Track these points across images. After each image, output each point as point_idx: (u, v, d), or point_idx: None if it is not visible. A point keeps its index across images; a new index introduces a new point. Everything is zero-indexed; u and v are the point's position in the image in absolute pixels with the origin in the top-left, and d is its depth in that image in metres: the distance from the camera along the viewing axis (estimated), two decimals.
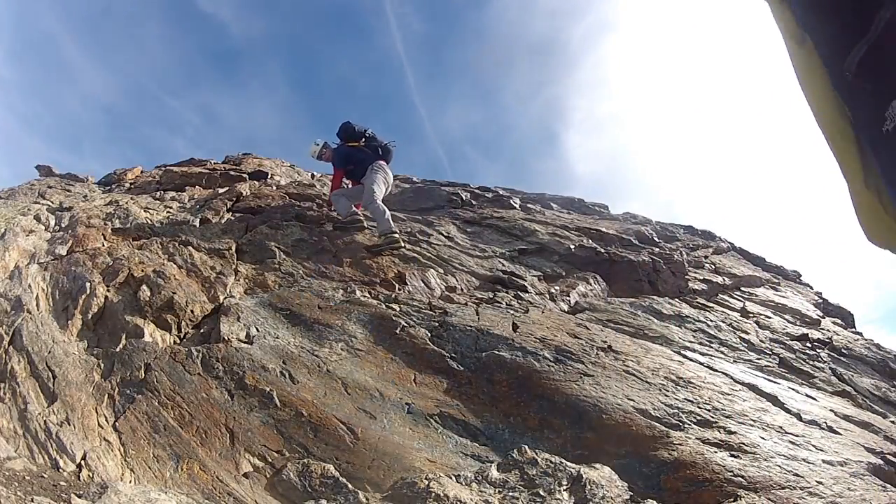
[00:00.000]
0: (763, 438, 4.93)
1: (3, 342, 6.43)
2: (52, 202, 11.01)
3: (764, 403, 5.65)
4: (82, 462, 5.03)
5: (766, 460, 4.60)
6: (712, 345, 7.32)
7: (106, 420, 5.53)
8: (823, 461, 4.76)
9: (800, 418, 5.56)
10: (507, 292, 8.37)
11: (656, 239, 11.28)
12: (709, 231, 14.19)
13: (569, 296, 8.54)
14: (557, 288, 8.82)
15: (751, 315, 8.77)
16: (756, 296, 9.92)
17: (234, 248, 9.24)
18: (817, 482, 4.40)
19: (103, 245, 8.99)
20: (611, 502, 4.10)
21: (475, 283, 8.79)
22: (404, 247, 9.30)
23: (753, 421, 5.22)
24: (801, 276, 13.08)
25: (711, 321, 8.06)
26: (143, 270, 7.91)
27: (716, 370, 6.32)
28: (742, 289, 10.17)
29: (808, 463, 4.69)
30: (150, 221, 10.28)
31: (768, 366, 6.98)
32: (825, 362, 7.53)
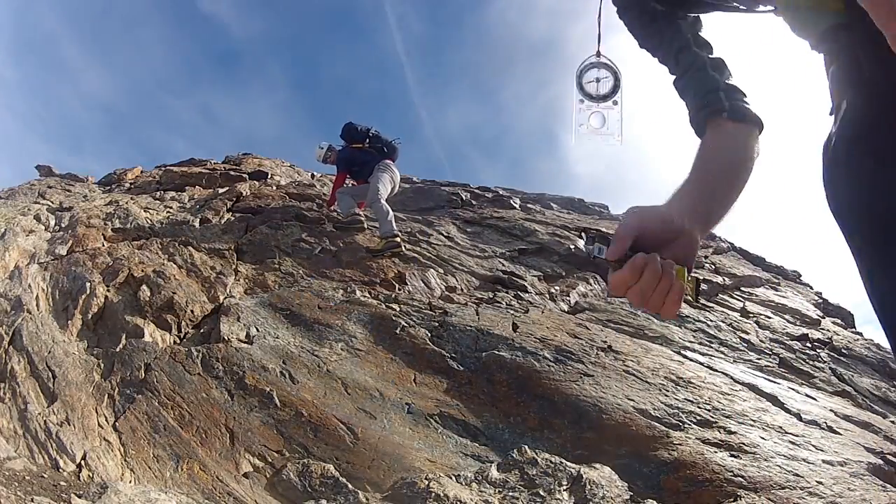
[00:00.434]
0: (763, 438, 4.93)
1: (3, 342, 6.43)
2: (52, 202, 11.02)
3: (764, 403, 5.65)
4: (82, 462, 5.03)
5: (766, 460, 4.60)
6: (712, 345, 7.32)
7: (106, 420, 5.53)
8: (823, 461, 4.76)
9: (800, 418, 5.56)
10: (507, 292, 8.37)
11: None
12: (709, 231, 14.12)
13: (569, 296, 8.54)
14: (557, 288, 8.82)
15: (751, 315, 8.76)
16: (756, 296, 9.91)
17: (234, 248, 9.26)
18: (817, 482, 4.40)
19: (103, 245, 9.00)
20: (611, 502, 4.10)
21: (475, 283, 8.79)
22: (404, 250, 9.28)
23: (753, 421, 5.22)
24: (801, 275, 13.04)
25: (711, 321, 8.05)
26: (143, 270, 7.91)
27: (716, 370, 6.32)
28: (742, 289, 10.14)
29: (808, 463, 4.69)
30: (150, 221, 10.30)
31: (768, 366, 6.98)
32: (825, 362, 7.52)
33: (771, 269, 12.66)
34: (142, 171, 15.29)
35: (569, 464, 4.44)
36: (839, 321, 10.45)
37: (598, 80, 1.98)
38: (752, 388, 5.96)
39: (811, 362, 7.35)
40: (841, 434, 5.44)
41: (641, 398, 5.39)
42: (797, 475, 4.46)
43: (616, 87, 1.98)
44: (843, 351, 8.32)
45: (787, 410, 5.64)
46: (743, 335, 7.84)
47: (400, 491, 4.36)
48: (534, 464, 4.46)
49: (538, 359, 5.97)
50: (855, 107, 1.49)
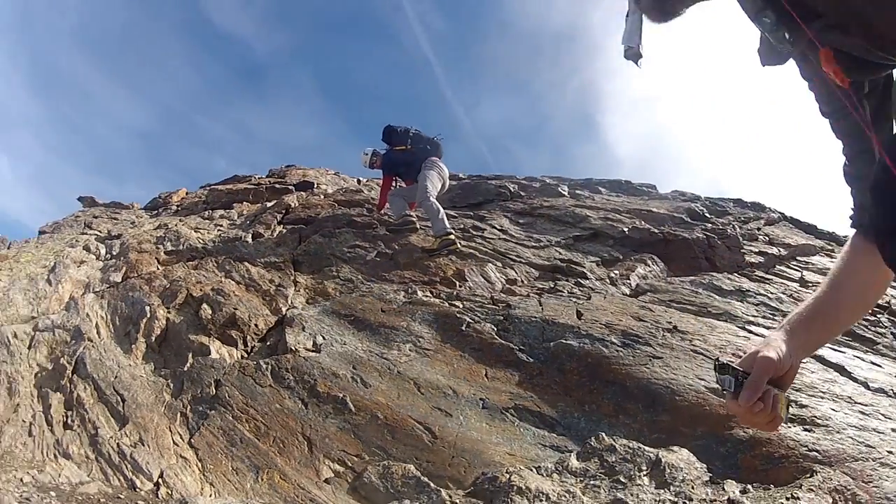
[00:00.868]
0: (834, 410, 4.85)
1: (67, 371, 6.59)
2: (99, 231, 11.24)
3: (831, 374, 5.56)
4: (160, 480, 5.14)
5: (838, 433, 4.53)
6: (775, 317, 7.20)
7: (181, 437, 5.65)
8: (893, 430, 4.70)
9: (867, 387, 5.45)
10: (567, 280, 8.34)
11: (707, 215, 11.10)
12: (758, 202, 13.90)
13: (629, 279, 8.48)
14: (616, 272, 8.75)
15: (809, 284, 8.59)
16: (812, 264, 9.73)
17: (290, 260, 9.35)
18: (888, 452, 4.32)
19: (158, 268, 9.16)
20: (691, 484, 4.08)
21: (534, 273, 8.77)
22: (459, 247, 9.27)
23: (823, 393, 5.13)
24: None
25: (772, 293, 7.94)
26: (201, 290, 8.04)
27: None
28: (798, 258, 9.99)
29: (879, 433, 4.59)
30: (202, 241, 10.45)
31: None
32: (886, 327, 7.38)
33: (824, 236, 12.47)
34: (187, 193, 15.51)
35: (647, 448, 4.42)
36: None
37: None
38: (819, 358, 5.85)
39: (873, 328, 7.20)
40: None
41: (712, 377, 5.33)
42: (869, 446, 4.38)
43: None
44: None
45: (854, 379, 5.54)
46: None
47: (482, 486, 4.39)
48: (612, 451, 4.46)
49: (606, 345, 5.95)
50: None
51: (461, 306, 7.19)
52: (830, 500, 3.83)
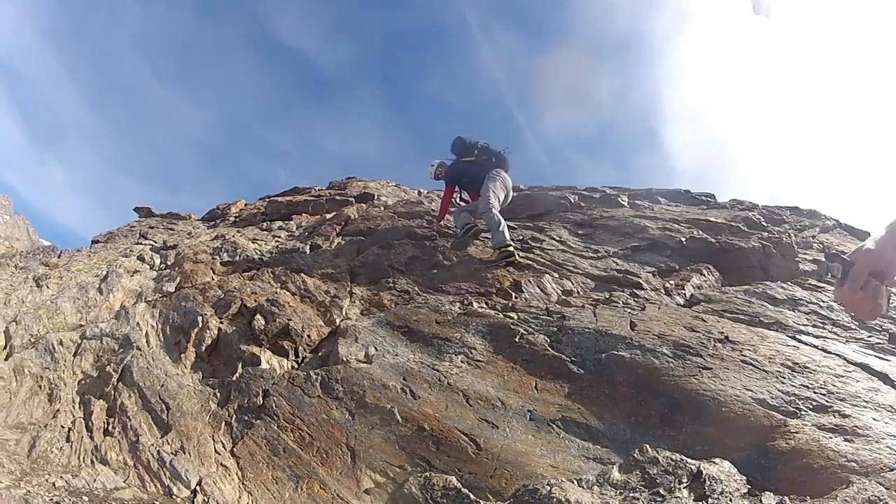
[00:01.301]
0: (875, 420, 4.75)
1: (112, 379, 6.72)
2: (155, 241, 11.46)
3: (875, 383, 5.44)
4: (197, 488, 5.22)
5: (877, 442, 4.45)
6: (825, 326, 7.12)
7: (223, 446, 5.71)
8: None
9: None
10: (623, 291, 8.29)
11: (764, 223, 11.02)
12: (814, 210, 13.85)
13: (683, 289, 8.41)
14: (672, 282, 8.68)
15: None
16: None
17: (347, 271, 9.42)
18: None
19: (213, 279, 9.30)
20: (729, 497, 4.02)
21: (591, 284, 8.72)
22: (518, 259, 9.24)
23: (866, 402, 5.04)
24: None
25: (823, 302, 7.83)
26: (255, 300, 8.14)
27: (830, 352, 6.14)
28: None
29: None
30: (259, 252, 10.59)
31: (879, 342, 6.74)
32: None
33: None
34: (245, 205, 15.73)
35: (689, 460, 4.36)
36: None
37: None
38: (865, 367, 5.75)
39: None
40: None
41: (759, 387, 5.27)
42: None
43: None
44: None
45: None
46: None
47: (522, 498, 4.34)
48: (655, 463, 4.41)
49: (657, 355, 5.89)
50: None
51: (516, 317, 7.15)
52: None
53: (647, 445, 4.60)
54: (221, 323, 7.76)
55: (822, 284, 8.74)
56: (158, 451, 5.62)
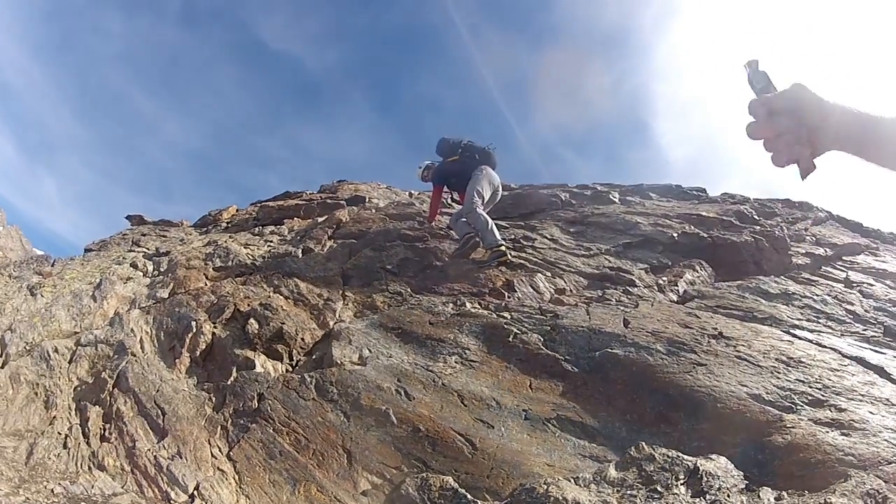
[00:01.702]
0: (871, 413, 4.78)
1: (108, 385, 6.73)
2: (147, 248, 11.44)
3: (871, 376, 5.48)
4: (195, 492, 5.22)
5: (874, 436, 4.47)
6: (820, 320, 7.16)
7: (220, 450, 5.72)
8: None
9: None
10: (615, 288, 8.36)
11: (756, 217, 11.07)
12: (806, 202, 13.95)
13: (676, 285, 8.46)
14: (665, 279, 8.73)
15: (854, 284, 8.55)
16: (857, 264, 9.67)
17: (339, 274, 9.43)
18: None
19: (206, 284, 9.29)
20: (727, 493, 4.04)
21: (583, 282, 8.77)
22: (510, 258, 9.26)
23: (862, 396, 5.07)
24: None
25: (817, 295, 7.88)
26: (248, 305, 8.14)
27: (825, 346, 6.17)
28: (843, 258, 9.96)
29: None
30: (251, 257, 10.59)
31: (874, 336, 6.78)
32: None
33: (869, 233, 12.41)
34: (237, 210, 15.72)
35: (685, 457, 4.38)
36: None
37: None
38: (860, 361, 5.79)
39: None
40: None
41: (754, 383, 5.31)
42: None
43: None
44: None
45: (894, 381, 5.49)
46: (848, 307, 7.65)
47: (519, 497, 4.35)
48: (651, 460, 4.42)
49: (651, 353, 5.92)
50: None
51: (509, 317, 7.18)
52: None
53: (643, 443, 4.63)
54: (215, 328, 7.76)
55: (815, 278, 8.78)
56: (155, 457, 5.62)
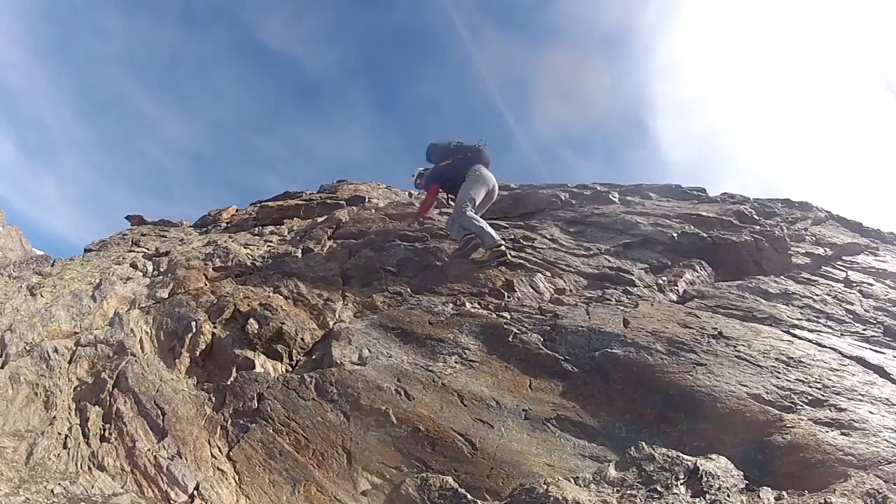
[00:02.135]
0: (871, 413, 4.79)
1: (108, 385, 6.73)
2: (147, 249, 11.43)
3: (871, 376, 5.47)
4: (195, 492, 5.23)
5: (874, 435, 4.47)
6: (819, 320, 7.16)
7: (219, 450, 5.73)
8: None
9: None
10: (615, 288, 8.35)
11: (756, 217, 11.05)
12: (806, 202, 13.92)
13: (676, 285, 8.45)
14: (665, 278, 8.71)
15: (854, 284, 8.55)
16: (857, 263, 9.66)
17: (339, 274, 9.41)
18: None
19: (206, 284, 9.28)
20: (727, 492, 4.04)
21: (583, 282, 8.76)
22: (510, 258, 9.16)
23: (862, 396, 5.08)
24: None
25: (817, 295, 7.88)
26: (248, 305, 8.13)
27: (824, 346, 6.16)
28: (843, 258, 9.96)
29: None
30: (251, 257, 10.58)
31: (874, 336, 6.78)
32: None
33: (869, 233, 12.41)
34: (237, 210, 15.70)
35: (685, 457, 4.38)
36: None
37: None
38: (860, 360, 5.79)
39: None
40: None
41: (754, 383, 5.31)
42: None
43: None
44: None
45: (894, 381, 5.49)
46: (848, 307, 7.64)
47: (519, 497, 4.36)
48: (651, 460, 4.42)
49: (651, 353, 5.92)
50: None
51: (509, 317, 7.18)
52: None
53: (643, 443, 4.63)
54: (215, 328, 7.76)
55: (815, 278, 8.78)
56: (155, 457, 5.63)
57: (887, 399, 5.06)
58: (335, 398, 6.11)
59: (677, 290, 8.34)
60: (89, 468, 5.59)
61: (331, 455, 5.45)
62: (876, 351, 6.18)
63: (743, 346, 6.03)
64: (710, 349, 5.95)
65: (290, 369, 7.07)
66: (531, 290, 8.33)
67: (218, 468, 5.49)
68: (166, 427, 6.06)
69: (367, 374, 6.40)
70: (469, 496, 4.64)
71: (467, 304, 7.76)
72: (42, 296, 8.37)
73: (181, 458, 5.62)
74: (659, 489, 4.14)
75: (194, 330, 7.60)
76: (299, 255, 10.61)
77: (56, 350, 7.19)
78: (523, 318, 7.08)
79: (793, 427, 4.68)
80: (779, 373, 5.49)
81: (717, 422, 4.96)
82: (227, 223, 14.34)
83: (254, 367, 6.89)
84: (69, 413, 6.42)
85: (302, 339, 7.45)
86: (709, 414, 5.04)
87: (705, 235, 10.00)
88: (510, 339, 6.68)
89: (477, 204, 10.26)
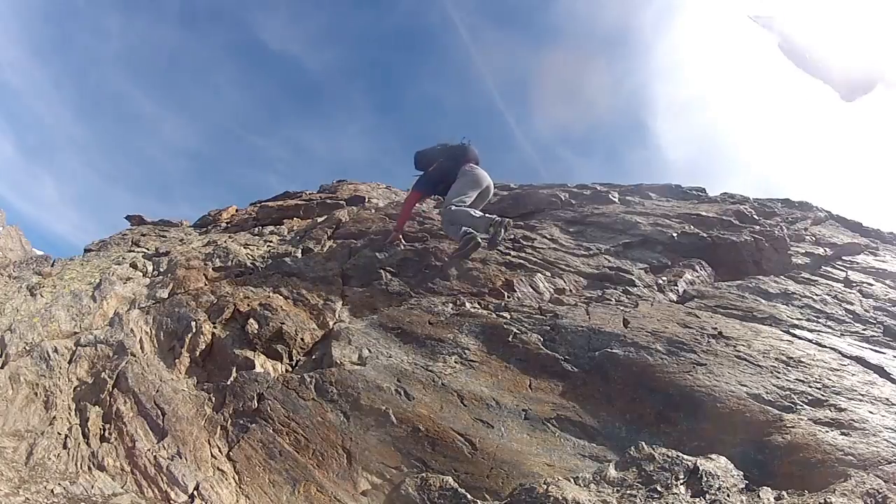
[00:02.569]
0: (871, 413, 4.78)
1: (108, 386, 6.74)
2: (147, 249, 11.44)
3: (871, 376, 5.47)
4: (195, 492, 5.24)
5: (874, 435, 4.47)
6: (819, 320, 7.15)
7: (219, 450, 5.74)
8: None
9: None
10: (615, 288, 8.34)
11: (755, 217, 11.03)
12: (806, 202, 13.91)
13: (676, 285, 8.44)
14: (665, 278, 8.70)
15: (854, 284, 8.55)
16: (857, 263, 9.66)
17: (339, 274, 9.40)
18: None
19: (205, 285, 9.28)
20: (726, 492, 4.04)
21: (583, 282, 8.75)
22: (479, 241, 8.99)
23: (862, 396, 5.07)
24: None
25: (817, 295, 7.88)
26: (248, 305, 8.13)
27: (824, 346, 6.16)
28: (843, 258, 9.96)
29: None
30: (251, 257, 10.57)
31: (874, 336, 6.77)
32: None
33: (869, 233, 12.42)
34: (237, 210, 15.69)
35: (685, 457, 4.38)
36: None
37: None
38: (860, 360, 5.78)
39: None
40: None
41: (754, 383, 5.31)
42: None
43: None
44: None
45: (894, 381, 5.49)
46: (848, 306, 7.64)
47: (519, 497, 4.36)
48: (651, 460, 4.43)
49: (651, 352, 5.92)
50: None
51: (509, 317, 7.17)
52: None
53: (643, 443, 4.64)
54: (215, 328, 7.76)
55: (815, 277, 8.78)
56: (155, 457, 5.63)
57: (887, 399, 5.05)
58: (335, 398, 6.11)
59: (677, 290, 8.34)
60: (89, 468, 5.60)
61: (331, 455, 5.46)
62: (876, 351, 6.18)
63: (743, 346, 6.02)
64: (709, 349, 5.94)
65: (290, 369, 7.06)
66: (531, 290, 8.32)
67: (218, 468, 5.49)
68: (166, 427, 6.07)
69: (367, 374, 6.40)
70: (469, 496, 4.64)
71: (467, 304, 7.75)
72: (42, 296, 8.38)
73: (181, 458, 5.62)
74: (659, 489, 4.14)
75: (194, 330, 7.61)
76: (299, 254, 10.59)
77: (56, 350, 7.20)
78: (523, 318, 7.07)
79: (793, 427, 4.68)
80: (779, 373, 5.48)
81: (717, 422, 4.96)
82: (227, 223, 14.32)
83: (254, 367, 6.89)
84: (69, 413, 6.44)
85: (302, 339, 7.45)
86: (709, 414, 5.04)
87: (705, 235, 9.99)
88: (510, 339, 6.67)
89: (468, 204, 10.08)
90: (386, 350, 6.87)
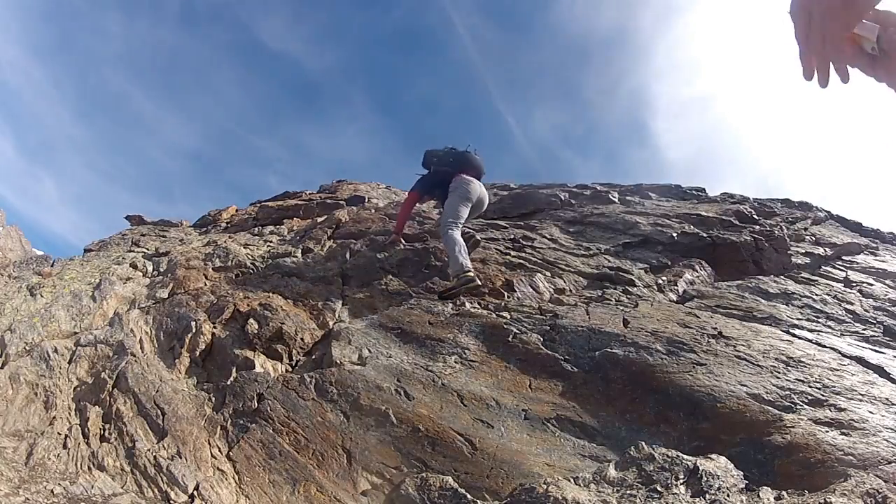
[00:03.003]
0: (871, 413, 4.79)
1: (107, 386, 6.74)
2: (147, 249, 11.45)
3: (871, 376, 5.48)
4: (195, 493, 5.22)
5: (874, 435, 4.48)
6: (819, 320, 7.17)
7: (219, 450, 5.73)
8: None
9: None
10: (615, 288, 8.37)
11: (755, 217, 11.07)
12: (805, 202, 13.97)
13: (676, 285, 8.46)
14: (665, 278, 8.72)
15: (853, 284, 8.58)
16: (857, 263, 9.70)
17: (339, 274, 9.41)
18: None
19: (205, 284, 9.28)
20: (727, 492, 4.04)
21: (583, 282, 8.77)
22: (478, 282, 8.40)
23: (862, 395, 5.08)
24: None
25: (817, 295, 7.91)
26: (248, 305, 8.13)
27: (824, 346, 6.17)
28: (843, 258, 9.99)
29: None
30: (251, 257, 10.57)
31: (873, 335, 6.79)
32: None
33: (868, 233, 12.45)
34: (237, 210, 15.71)
35: (685, 457, 4.38)
36: None
37: None
38: (860, 360, 5.79)
39: None
40: None
41: (754, 382, 5.31)
42: None
43: None
44: None
45: (894, 381, 5.50)
46: (848, 306, 7.66)
47: (519, 497, 4.35)
48: (651, 459, 4.43)
49: (651, 352, 5.93)
50: None
51: (509, 317, 7.18)
52: None
53: (643, 442, 4.62)
54: (215, 328, 7.76)
55: (815, 277, 8.79)
56: (155, 457, 5.62)
57: (887, 399, 5.06)
58: (335, 398, 6.11)
59: (677, 290, 8.35)
60: (89, 468, 5.60)
61: (330, 455, 5.45)
62: (876, 351, 6.19)
63: (743, 345, 6.03)
64: (709, 349, 5.95)
65: (290, 369, 7.06)
66: (531, 289, 8.32)
67: (218, 468, 5.49)
68: (166, 427, 6.06)
69: (367, 373, 6.39)
70: (469, 496, 4.63)
71: (467, 304, 7.75)
72: (42, 296, 8.38)
73: (181, 458, 5.61)
74: (659, 489, 4.14)
75: (194, 330, 7.61)
76: (299, 255, 10.59)
77: (56, 350, 7.20)
78: (523, 318, 7.08)
79: (793, 427, 4.68)
80: (778, 373, 5.48)
81: (716, 422, 4.95)
82: (227, 223, 14.35)
83: (254, 367, 6.89)
84: (69, 413, 6.43)
85: (302, 339, 7.45)
86: (709, 414, 5.03)
87: (705, 235, 10.01)
88: (510, 338, 6.67)
89: (463, 221, 9.70)
90: (386, 350, 6.86)
